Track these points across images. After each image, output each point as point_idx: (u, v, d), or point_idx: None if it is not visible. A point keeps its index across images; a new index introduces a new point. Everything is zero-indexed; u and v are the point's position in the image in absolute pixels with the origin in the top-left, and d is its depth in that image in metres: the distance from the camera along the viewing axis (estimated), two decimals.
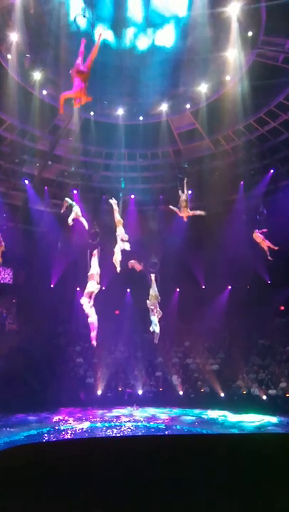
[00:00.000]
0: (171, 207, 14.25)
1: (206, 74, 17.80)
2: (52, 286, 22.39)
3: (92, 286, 12.14)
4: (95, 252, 13.05)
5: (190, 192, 14.39)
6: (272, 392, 17.54)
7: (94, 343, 12.32)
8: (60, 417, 15.19)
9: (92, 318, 11.98)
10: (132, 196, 22.62)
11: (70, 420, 14.81)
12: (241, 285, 22.52)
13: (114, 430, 13.39)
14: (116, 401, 18.57)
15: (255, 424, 14.28)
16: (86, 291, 12.11)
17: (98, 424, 14.44)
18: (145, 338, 20.31)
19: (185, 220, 14.30)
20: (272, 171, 20.03)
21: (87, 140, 20.42)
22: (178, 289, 23.28)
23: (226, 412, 16.48)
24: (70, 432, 13.17)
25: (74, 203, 13.35)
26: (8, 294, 22.73)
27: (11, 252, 20.87)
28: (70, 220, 13.37)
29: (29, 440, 11.54)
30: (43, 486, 1.65)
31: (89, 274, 12.49)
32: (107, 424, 14.39)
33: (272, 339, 21.00)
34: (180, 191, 14.27)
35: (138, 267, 13.67)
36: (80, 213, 13.58)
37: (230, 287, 23.02)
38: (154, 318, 13.64)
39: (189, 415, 16.30)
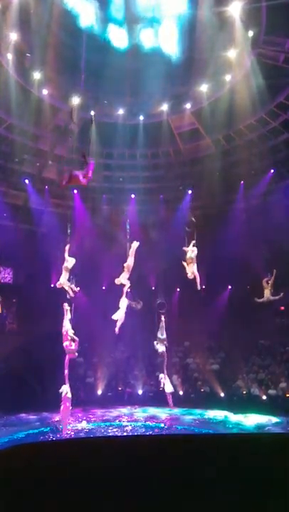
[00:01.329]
0: (183, 263, 13.63)
1: (206, 74, 17.80)
2: (52, 285, 22.39)
3: (125, 276, 12.46)
4: (134, 245, 13.11)
5: (195, 249, 13.85)
6: (272, 392, 17.54)
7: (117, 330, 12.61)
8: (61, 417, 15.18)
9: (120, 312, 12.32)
10: (133, 196, 22.63)
11: (70, 420, 14.81)
12: (241, 285, 22.53)
13: (115, 430, 13.39)
14: (116, 401, 18.57)
15: (255, 424, 14.28)
16: (118, 280, 12.51)
17: (98, 424, 14.44)
18: (145, 337, 20.30)
19: (190, 277, 13.35)
20: (272, 170, 20.03)
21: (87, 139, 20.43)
22: (178, 289, 23.27)
23: (225, 412, 16.48)
24: (70, 431, 13.17)
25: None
26: (8, 294, 22.70)
27: (11, 252, 20.88)
28: None
29: (30, 439, 11.53)
30: (43, 485, 1.65)
31: (125, 265, 12.80)
32: (107, 424, 14.39)
33: (272, 339, 21.00)
34: (187, 247, 13.82)
35: (138, 306, 13.58)
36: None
37: (230, 287, 23.01)
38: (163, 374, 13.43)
39: (189, 415, 16.29)
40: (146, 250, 20.83)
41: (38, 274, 21.91)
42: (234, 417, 15.57)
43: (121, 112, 19.73)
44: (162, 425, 13.96)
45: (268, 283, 15.62)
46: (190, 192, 22.00)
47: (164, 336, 13.92)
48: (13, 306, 22.75)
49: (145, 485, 1.67)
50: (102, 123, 20.06)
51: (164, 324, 14.07)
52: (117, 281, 12.80)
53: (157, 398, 18.69)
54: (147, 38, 17.00)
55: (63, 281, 12.20)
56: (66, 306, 12.43)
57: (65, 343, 12.09)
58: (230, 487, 1.67)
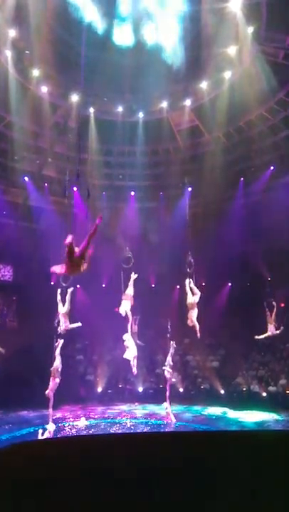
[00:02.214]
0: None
1: (206, 70, 17.75)
2: (52, 283, 22.41)
3: (127, 306, 12.25)
4: (133, 276, 12.96)
5: (198, 293, 13.25)
6: (272, 388, 17.58)
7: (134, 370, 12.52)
8: (61, 414, 15.22)
9: (131, 352, 12.11)
10: (132, 193, 22.61)
11: (71, 417, 14.84)
12: (241, 282, 22.53)
13: (115, 427, 13.42)
14: (116, 398, 18.60)
15: (254, 421, 14.31)
16: (122, 308, 12.24)
17: (98, 421, 14.47)
18: (145, 334, 20.29)
19: (189, 324, 12.73)
20: (272, 167, 19.99)
21: (87, 137, 20.40)
22: (178, 286, 23.28)
23: (225, 409, 16.51)
24: (70, 428, 13.20)
25: None
26: (8, 292, 22.73)
27: (11, 250, 20.86)
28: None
29: (30, 437, 11.56)
30: (44, 483, 1.65)
31: (124, 294, 12.61)
32: (107, 421, 14.42)
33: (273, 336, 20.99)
34: (188, 291, 13.10)
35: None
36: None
37: (230, 284, 23.02)
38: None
39: (189, 412, 16.32)
40: (146, 248, 20.87)
41: (38, 272, 21.90)
42: (234, 414, 15.61)
43: (120, 109, 19.68)
44: (162, 422, 13.97)
45: (271, 316, 14.60)
46: (190, 189, 21.99)
47: (171, 362, 13.61)
48: (13, 304, 22.76)
49: (145, 482, 1.67)
50: (102, 120, 20.04)
51: (172, 348, 13.78)
52: (120, 310, 12.52)
53: (157, 395, 18.77)
54: (147, 35, 16.96)
55: (68, 325, 11.64)
56: (58, 341, 12.02)
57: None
58: (230, 484, 1.67)
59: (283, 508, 1.60)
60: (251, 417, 14.96)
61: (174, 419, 13.05)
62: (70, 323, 11.77)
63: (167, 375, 13.53)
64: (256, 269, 21.63)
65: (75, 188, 21.68)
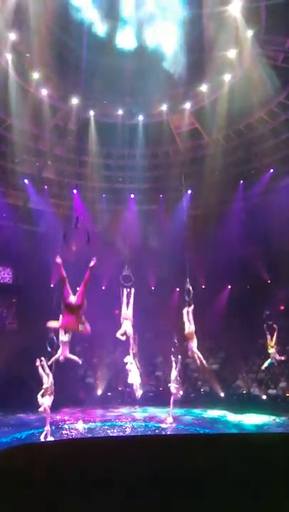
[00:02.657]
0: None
1: (206, 73, 17.79)
2: (52, 285, 22.40)
3: (128, 326, 12.05)
4: (131, 294, 12.79)
5: (192, 325, 12.99)
6: (272, 391, 17.55)
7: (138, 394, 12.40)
8: (60, 417, 15.18)
9: (134, 376, 11.97)
10: (132, 196, 22.64)
11: (71, 420, 14.81)
12: (241, 285, 22.53)
13: (114, 430, 13.39)
14: (116, 401, 18.56)
15: (254, 424, 14.28)
16: (120, 332, 11.96)
17: (98, 424, 14.44)
18: (145, 337, 20.25)
19: (190, 356, 12.58)
20: (272, 170, 20.03)
21: (87, 139, 20.44)
22: (178, 289, 23.27)
23: (225, 412, 16.48)
24: (70, 431, 13.17)
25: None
26: (8, 294, 22.72)
27: (11, 252, 20.86)
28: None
29: (29, 440, 11.52)
30: (43, 486, 1.64)
31: (124, 315, 12.40)
32: (107, 424, 14.39)
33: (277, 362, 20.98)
34: (186, 321, 12.88)
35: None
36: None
37: (230, 287, 23.02)
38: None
39: (189, 415, 16.28)
40: (145, 251, 20.88)
41: (37, 273, 21.91)
42: (234, 417, 15.58)
43: (120, 111, 19.73)
44: (162, 425, 13.94)
45: (272, 340, 14.21)
46: (190, 192, 22.02)
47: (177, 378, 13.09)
48: (13, 306, 22.75)
49: (146, 485, 1.66)
50: (102, 123, 20.07)
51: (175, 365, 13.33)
52: (119, 335, 12.24)
53: (157, 398, 18.74)
54: (148, 39, 17.00)
55: (67, 355, 11.06)
56: (41, 360, 11.81)
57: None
58: (230, 487, 1.67)
59: (284, 510, 1.60)
60: (251, 419, 14.93)
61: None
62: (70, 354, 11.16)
63: (173, 390, 13.27)
64: (256, 271, 21.64)
65: (74, 191, 21.73)
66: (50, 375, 11.43)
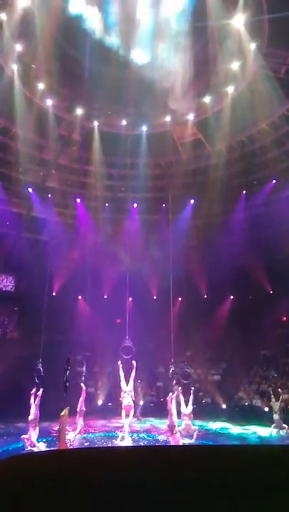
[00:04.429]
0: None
1: (210, 85, 17.98)
2: (54, 294, 22.42)
3: (129, 400, 11.89)
4: (133, 366, 12.54)
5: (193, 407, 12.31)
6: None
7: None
8: (60, 427, 15.01)
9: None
10: (135, 205, 22.75)
11: (70, 430, 14.65)
12: (243, 295, 22.47)
13: (115, 441, 13.24)
14: (116, 411, 18.37)
15: (257, 436, 14.10)
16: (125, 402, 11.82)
17: (98, 434, 14.30)
18: (146, 347, 20.19)
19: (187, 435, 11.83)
20: (274, 181, 20.12)
21: (91, 149, 20.62)
22: (180, 299, 23.23)
23: (227, 424, 16.30)
24: (69, 441, 13.00)
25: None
26: (9, 302, 22.71)
27: (13, 260, 20.91)
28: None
29: (28, 450, 11.40)
30: (42, 497, 1.63)
31: (124, 389, 12.13)
32: (107, 435, 14.24)
33: (275, 350, 20.85)
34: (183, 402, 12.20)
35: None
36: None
37: (232, 297, 22.96)
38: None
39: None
40: (147, 259, 20.88)
41: (40, 282, 21.92)
42: (236, 429, 15.40)
43: (124, 122, 19.92)
44: (163, 436, 13.77)
45: (277, 401, 13.94)
46: (192, 201, 22.10)
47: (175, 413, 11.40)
48: (15, 315, 22.72)
49: (146, 497, 1.64)
50: (106, 133, 20.27)
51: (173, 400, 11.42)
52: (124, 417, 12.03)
53: (158, 409, 18.56)
54: (152, 51, 17.17)
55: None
56: (38, 389, 11.76)
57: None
58: (231, 499, 1.64)
59: None
60: (253, 431, 14.75)
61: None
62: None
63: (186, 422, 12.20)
64: (258, 282, 21.59)
65: (78, 200, 21.86)
66: (35, 407, 11.29)
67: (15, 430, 14.08)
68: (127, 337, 13.62)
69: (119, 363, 12.76)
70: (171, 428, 10.83)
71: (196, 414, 17.75)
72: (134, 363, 12.58)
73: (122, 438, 11.88)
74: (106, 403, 19.07)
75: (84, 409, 12.41)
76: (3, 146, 19.11)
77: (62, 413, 8.31)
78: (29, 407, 11.44)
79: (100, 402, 18.94)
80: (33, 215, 21.41)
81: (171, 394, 11.51)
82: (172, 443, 10.74)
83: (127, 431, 11.88)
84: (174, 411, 11.06)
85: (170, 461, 1.97)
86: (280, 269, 19.98)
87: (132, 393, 12.22)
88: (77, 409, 12.23)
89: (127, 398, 12.01)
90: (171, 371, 12.96)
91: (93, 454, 2.27)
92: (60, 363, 12.47)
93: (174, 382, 13.05)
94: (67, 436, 10.61)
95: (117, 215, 22.84)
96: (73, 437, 11.54)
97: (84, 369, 13.77)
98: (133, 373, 12.39)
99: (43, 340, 18.75)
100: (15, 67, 16.31)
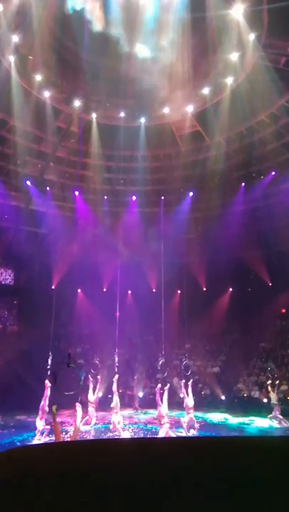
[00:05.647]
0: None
1: (208, 77, 17.83)
2: (53, 287, 22.44)
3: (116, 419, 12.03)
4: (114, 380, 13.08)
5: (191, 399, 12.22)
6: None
7: None
8: (61, 419, 15.12)
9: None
10: (134, 198, 22.68)
11: (71, 422, 14.76)
12: (242, 288, 22.51)
13: (115, 433, 13.32)
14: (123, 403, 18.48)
15: (255, 427, 14.22)
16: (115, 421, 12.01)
17: (98, 426, 14.38)
18: (145, 340, 20.26)
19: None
20: (273, 173, 20.03)
21: (89, 142, 20.49)
22: (179, 291, 23.26)
23: (226, 415, 16.41)
24: (70, 433, 13.10)
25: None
26: (9, 295, 22.74)
27: (12, 253, 20.88)
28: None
29: (29, 442, 11.49)
30: (43, 489, 1.63)
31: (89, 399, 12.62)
32: (106, 427, 14.33)
33: (274, 342, 20.95)
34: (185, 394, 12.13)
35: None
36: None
37: (231, 290, 23.00)
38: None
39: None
40: (146, 252, 20.88)
41: (39, 275, 21.93)
42: (235, 420, 15.51)
43: (122, 114, 19.77)
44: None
45: (273, 386, 14.33)
46: (191, 194, 22.03)
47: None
48: (14, 308, 22.76)
49: (145, 488, 1.65)
50: (104, 125, 20.12)
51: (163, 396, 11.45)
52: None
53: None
54: (150, 42, 17.01)
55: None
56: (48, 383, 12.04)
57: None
58: (231, 491, 1.65)
59: None
60: (252, 422, 14.87)
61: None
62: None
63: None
64: (257, 274, 21.61)
65: (76, 193, 21.77)
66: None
67: (15, 423, 14.18)
68: (116, 352, 14.47)
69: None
70: (160, 419, 10.94)
71: (196, 405, 17.95)
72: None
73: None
74: (106, 395, 19.16)
75: (91, 400, 12.60)
76: (1, 139, 18.98)
77: (54, 410, 8.65)
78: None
79: (100, 395, 19.02)
80: (32, 208, 21.33)
81: (159, 385, 11.59)
82: (161, 434, 10.78)
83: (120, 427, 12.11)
84: (164, 402, 11.25)
85: (169, 453, 1.98)
86: (279, 261, 20.01)
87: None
88: (91, 400, 12.92)
89: (115, 416, 12.35)
90: (160, 363, 13.21)
91: (92, 446, 2.28)
92: (60, 355, 12.53)
93: (165, 374, 13.37)
94: (81, 428, 11.12)
95: (115, 208, 22.78)
96: (91, 427, 12.00)
97: (97, 361, 14.12)
98: (115, 387, 13.20)
99: (43, 333, 18.76)
100: (12, 58, 16.13)
